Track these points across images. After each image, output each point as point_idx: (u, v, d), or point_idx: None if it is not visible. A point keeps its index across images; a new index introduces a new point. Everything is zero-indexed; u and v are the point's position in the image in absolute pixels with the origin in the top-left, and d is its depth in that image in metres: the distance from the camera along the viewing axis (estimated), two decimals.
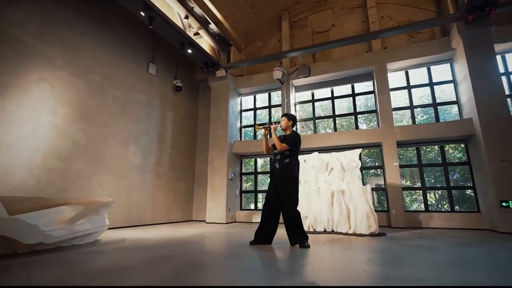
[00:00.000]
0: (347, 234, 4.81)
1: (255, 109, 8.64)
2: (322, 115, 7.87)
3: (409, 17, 7.12)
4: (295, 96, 8.05)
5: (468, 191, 6.54)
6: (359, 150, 5.18)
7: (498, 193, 4.99)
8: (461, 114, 6.26)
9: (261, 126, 3.78)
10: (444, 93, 6.95)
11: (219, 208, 7.32)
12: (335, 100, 7.63)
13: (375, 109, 7.13)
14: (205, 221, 7.61)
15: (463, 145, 6.35)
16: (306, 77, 7.49)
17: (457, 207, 6.17)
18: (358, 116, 7.43)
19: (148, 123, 7.05)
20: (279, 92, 8.26)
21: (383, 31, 6.30)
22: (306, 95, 8.09)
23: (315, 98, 7.87)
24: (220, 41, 7.69)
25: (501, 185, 5.01)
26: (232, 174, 7.70)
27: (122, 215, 5.99)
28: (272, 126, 3.73)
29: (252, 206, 8.32)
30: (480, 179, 5.56)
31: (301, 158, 5.71)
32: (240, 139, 8.54)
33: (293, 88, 7.99)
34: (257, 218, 7.48)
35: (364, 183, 6.07)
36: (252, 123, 8.65)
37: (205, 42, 7.59)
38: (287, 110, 7.58)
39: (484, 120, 5.28)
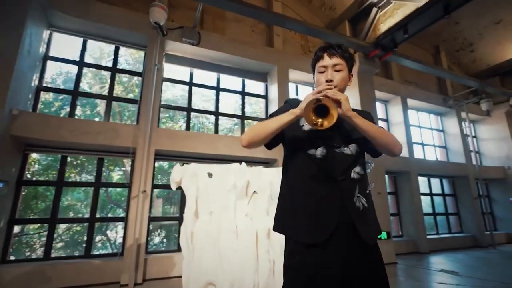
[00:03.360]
0: None
1: (82, 64, 4.63)
2: (200, 107, 5.49)
3: None
4: (164, 68, 5.13)
5: None
6: None
7: None
8: None
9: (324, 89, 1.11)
10: None
11: None
12: (220, 92, 5.57)
13: (264, 117, 5.86)
14: None
15: None
16: (195, 44, 4.93)
17: None
18: (236, 121, 5.83)
19: None
20: (142, 54, 5.00)
21: (288, 19, 5.15)
22: (181, 72, 5.40)
23: (194, 81, 5.39)
24: None
25: None
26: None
27: None
28: (334, 93, 1.13)
29: (38, 252, 4.11)
30: None
31: (206, 169, 3.20)
32: (34, 110, 4.15)
33: (164, 55, 5.05)
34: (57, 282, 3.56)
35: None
36: (71, 87, 4.53)
37: None
38: (156, 82, 4.56)
39: None
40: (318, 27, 5.76)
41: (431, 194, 7.64)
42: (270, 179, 3.44)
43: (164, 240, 5.72)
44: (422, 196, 6.86)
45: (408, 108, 7.45)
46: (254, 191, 3.36)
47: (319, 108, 1.07)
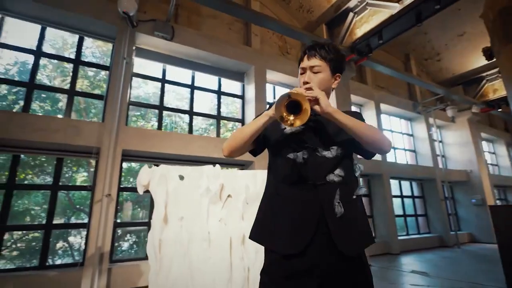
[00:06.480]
0: None
1: (39, 54, 4.17)
2: (173, 105, 5.20)
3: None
4: (135, 63, 4.79)
5: None
6: None
7: None
8: None
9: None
10: None
11: None
12: (195, 90, 5.33)
13: (241, 118, 5.69)
14: None
15: None
16: (168, 39, 4.66)
17: None
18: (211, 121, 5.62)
19: None
20: (110, 47, 4.63)
21: (266, 17, 5.07)
22: (153, 68, 5.09)
23: (167, 77, 5.10)
24: None
25: None
26: None
27: None
28: (310, 90, 1.02)
29: None
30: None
31: (176, 170, 2.98)
32: None
33: (135, 49, 4.72)
34: None
35: None
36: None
37: None
38: (125, 77, 4.23)
39: None
40: (296, 28, 5.73)
41: (401, 196, 7.90)
42: (246, 183, 3.29)
43: (135, 247, 5.34)
44: (393, 198, 7.05)
45: (381, 112, 7.67)
46: (229, 195, 3.18)
47: (292, 104, 0.95)
